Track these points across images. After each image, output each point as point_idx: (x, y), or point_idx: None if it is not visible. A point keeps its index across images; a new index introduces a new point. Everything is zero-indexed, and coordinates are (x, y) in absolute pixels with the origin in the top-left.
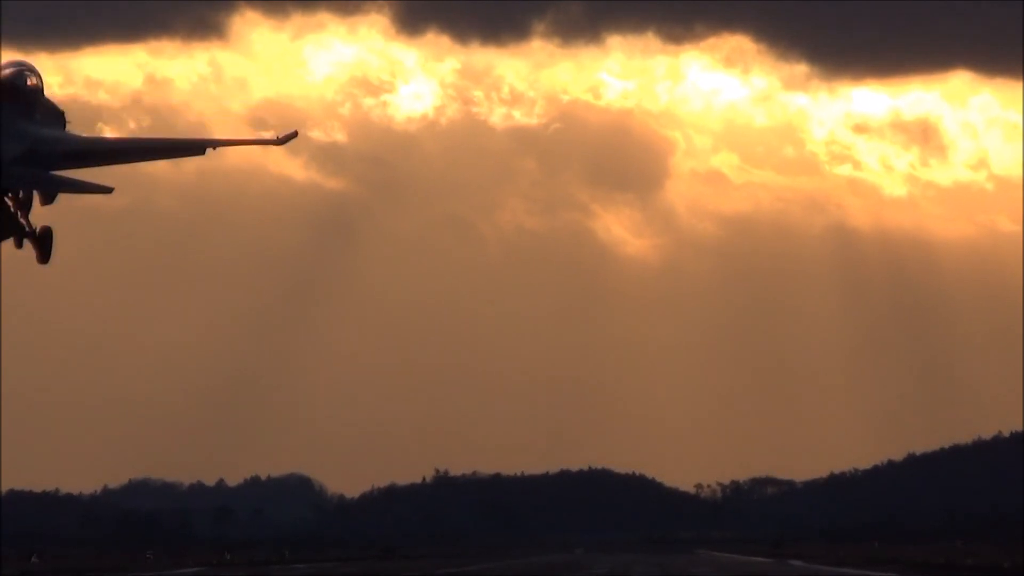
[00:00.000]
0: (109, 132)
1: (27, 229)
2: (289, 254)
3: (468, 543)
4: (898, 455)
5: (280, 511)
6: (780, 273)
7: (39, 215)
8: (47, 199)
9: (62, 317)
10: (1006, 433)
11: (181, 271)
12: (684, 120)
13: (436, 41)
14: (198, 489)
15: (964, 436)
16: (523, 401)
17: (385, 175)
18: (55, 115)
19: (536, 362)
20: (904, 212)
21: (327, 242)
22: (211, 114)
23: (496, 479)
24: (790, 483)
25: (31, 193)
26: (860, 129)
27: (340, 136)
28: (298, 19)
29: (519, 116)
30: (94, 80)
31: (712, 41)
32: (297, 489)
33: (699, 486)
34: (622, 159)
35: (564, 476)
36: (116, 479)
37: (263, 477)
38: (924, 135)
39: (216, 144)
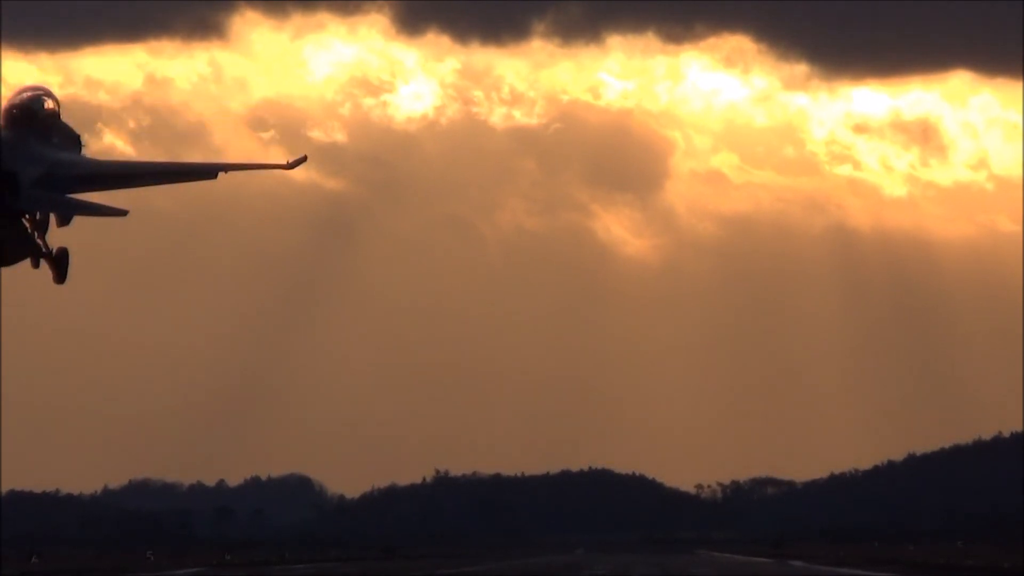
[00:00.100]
0: (108, 132)
1: (44, 250)
2: (289, 254)
3: (468, 543)
4: (898, 455)
5: (280, 511)
6: (780, 273)
7: (55, 235)
8: (63, 221)
9: (62, 318)
10: (1006, 433)
11: (181, 271)
12: (684, 120)
13: (436, 41)
14: (198, 489)
15: (964, 436)
16: (523, 401)
17: (385, 175)
18: (72, 139)
19: (536, 362)
20: (904, 212)
21: (327, 242)
22: (211, 114)
23: (496, 479)
24: (790, 483)
25: (48, 215)
26: (860, 129)
27: (340, 136)
28: (298, 19)
29: (519, 116)
30: (94, 80)
31: (712, 41)
32: (297, 489)
33: (699, 486)
34: (622, 159)
35: (564, 476)
36: (116, 479)
37: (263, 477)
38: (924, 135)
39: (228, 168)
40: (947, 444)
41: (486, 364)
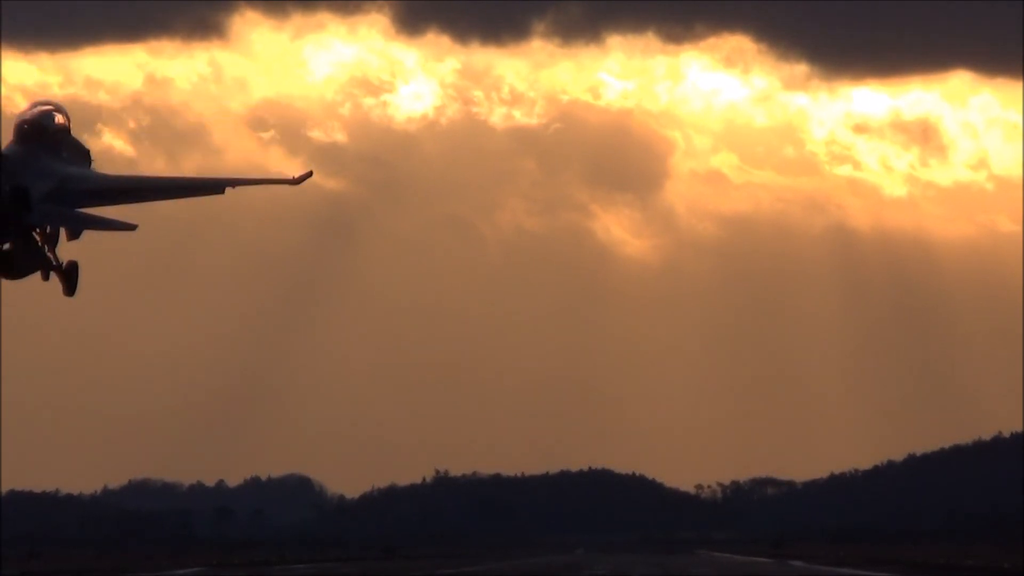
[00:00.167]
0: (108, 133)
1: (54, 263)
2: (289, 254)
3: (468, 543)
4: (898, 455)
5: (280, 511)
6: (780, 273)
7: (65, 248)
8: (73, 235)
9: (62, 318)
10: (1006, 433)
11: (180, 271)
12: (684, 120)
13: (436, 41)
14: (198, 489)
15: (964, 436)
16: (523, 401)
17: (385, 175)
18: (81, 153)
19: (536, 362)
20: (904, 212)
21: (327, 242)
22: (211, 114)
23: (496, 479)
24: (790, 483)
25: (58, 229)
26: (860, 129)
27: (340, 136)
28: (298, 19)
29: (519, 116)
30: (94, 80)
31: (712, 41)
32: (297, 489)
33: (699, 486)
34: (622, 159)
35: (564, 476)
36: (116, 479)
37: (263, 477)
38: (924, 135)
39: (235, 183)
40: (947, 444)
41: (486, 364)
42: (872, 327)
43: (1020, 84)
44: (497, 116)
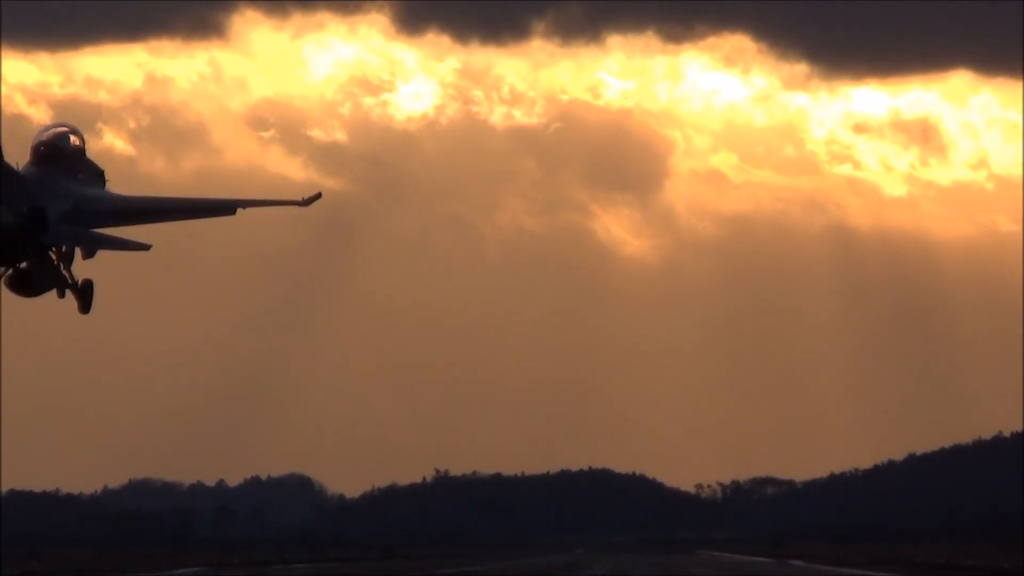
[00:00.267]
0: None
1: (69, 281)
2: (288, 254)
3: (468, 543)
4: (898, 455)
5: (280, 511)
6: (780, 273)
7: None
8: (88, 254)
9: (62, 318)
10: (1006, 433)
11: (180, 271)
12: (684, 120)
13: (436, 41)
14: (198, 489)
15: (964, 436)
16: (523, 401)
17: (385, 175)
18: (96, 174)
19: (536, 362)
20: (904, 212)
21: (327, 242)
22: (211, 114)
23: (496, 479)
24: (790, 483)
25: (73, 248)
26: (860, 129)
27: (340, 136)
28: (298, 19)
29: (519, 116)
30: (94, 80)
31: (712, 41)
32: (297, 489)
33: (699, 486)
34: (622, 159)
35: (564, 476)
36: (116, 479)
37: (263, 477)
38: (924, 135)
39: (246, 204)
40: (947, 444)
41: (486, 364)
42: (872, 327)
43: (1020, 84)
44: (497, 116)
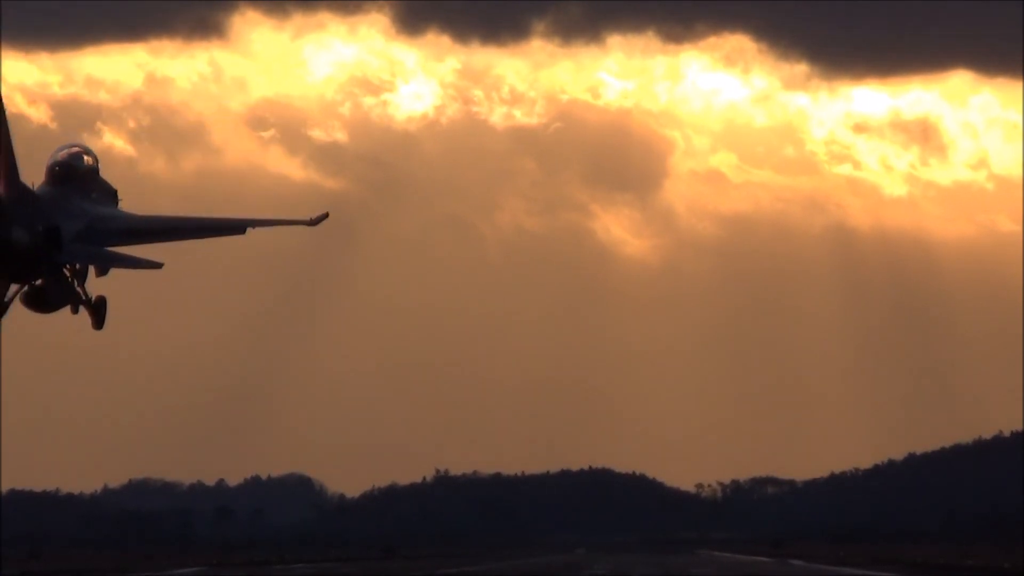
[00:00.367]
0: (108, 132)
1: (83, 298)
2: (288, 254)
3: (468, 543)
4: (898, 455)
5: (280, 511)
6: (780, 273)
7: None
8: (101, 271)
9: (62, 319)
10: (1006, 433)
11: (180, 271)
12: (684, 120)
13: (436, 41)
14: (198, 489)
15: (964, 436)
16: (523, 401)
17: (385, 175)
18: (109, 193)
19: (536, 362)
20: (904, 212)
21: (327, 242)
22: (211, 114)
23: (496, 479)
24: (790, 483)
25: (87, 265)
26: (860, 129)
27: (340, 136)
28: (298, 19)
29: (519, 116)
30: (94, 79)
31: (712, 41)
32: (297, 489)
33: (700, 486)
34: (622, 159)
35: (565, 476)
36: (116, 479)
37: (263, 477)
38: (924, 135)
39: (255, 224)
40: (947, 444)
41: (486, 364)
42: (872, 327)
43: (1020, 84)
44: (497, 116)
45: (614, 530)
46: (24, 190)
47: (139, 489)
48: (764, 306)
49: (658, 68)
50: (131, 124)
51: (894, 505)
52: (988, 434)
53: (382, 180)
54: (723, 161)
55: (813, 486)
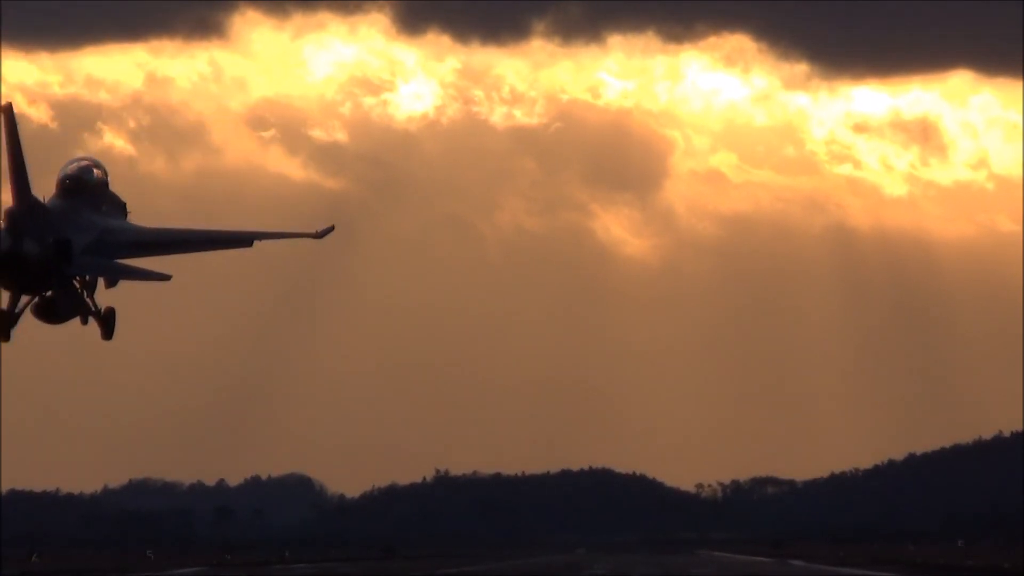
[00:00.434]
0: (108, 132)
1: (92, 309)
2: (288, 255)
3: (468, 543)
4: (898, 455)
5: (280, 511)
6: (780, 273)
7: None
8: (111, 283)
9: (68, 326)
10: (1006, 433)
11: (179, 271)
12: (684, 120)
13: (436, 41)
14: (198, 489)
15: (964, 436)
16: (523, 401)
17: (385, 175)
18: (118, 206)
19: (536, 362)
20: (904, 212)
21: (326, 242)
22: (211, 114)
23: (496, 479)
24: (790, 483)
25: (97, 277)
26: (860, 129)
27: (340, 136)
28: (298, 19)
29: (519, 116)
30: (94, 79)
31: (712, 41)
32: (297, 489)
33: (700, 486)
34: (622, 159)
35: (565, 476)
36: (116, 479)
37: (263, 477)
38: (924, 135)
39: (262, 236)
40: (947, 444)
41: (486, 364)
42: (872, 327)
43: (1020, 84)
44: (497, 116)
45: (614, 530)
46: (35, 203)
47: (139, 489)
48: (764, 306)
49: (658, 68)
50: (131, 124)
51: (894, 505)
52: (988, 434)
53: (382, 180)
54: (723, 161)
55: (813, 486)
